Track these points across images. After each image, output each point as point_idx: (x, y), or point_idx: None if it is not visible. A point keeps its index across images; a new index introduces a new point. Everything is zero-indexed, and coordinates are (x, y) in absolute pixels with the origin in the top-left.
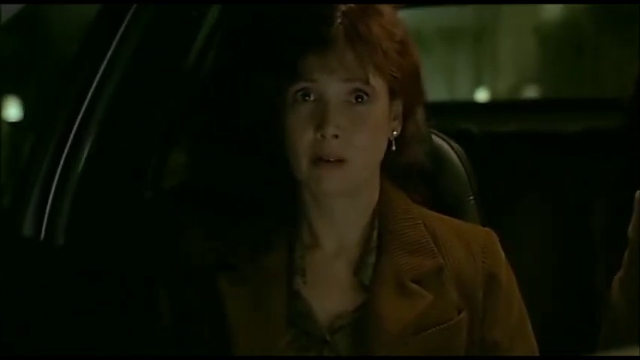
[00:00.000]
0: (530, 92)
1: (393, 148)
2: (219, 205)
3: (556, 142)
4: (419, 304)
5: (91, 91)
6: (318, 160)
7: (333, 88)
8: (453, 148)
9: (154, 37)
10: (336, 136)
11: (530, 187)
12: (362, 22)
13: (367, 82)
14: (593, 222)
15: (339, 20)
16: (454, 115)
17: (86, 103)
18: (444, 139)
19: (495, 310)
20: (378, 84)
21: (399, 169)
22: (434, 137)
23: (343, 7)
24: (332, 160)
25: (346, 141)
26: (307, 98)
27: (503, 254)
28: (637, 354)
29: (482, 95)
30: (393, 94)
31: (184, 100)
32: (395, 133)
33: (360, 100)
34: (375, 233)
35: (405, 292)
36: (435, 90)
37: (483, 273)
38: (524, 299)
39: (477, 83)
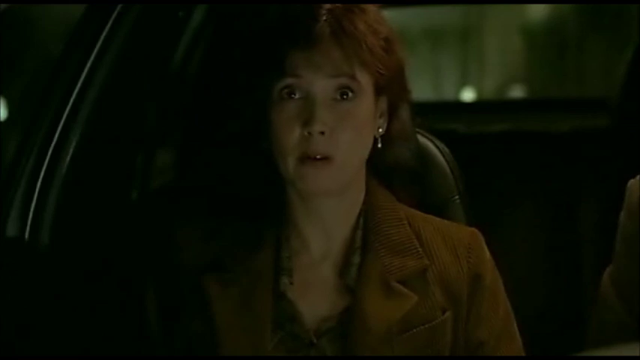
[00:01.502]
0: (517, 92)
1: (379, 145)
2: (207, 205)
3: (543, 141)
4: (404, 304)
5: (77, 90)
6: (305, 159)
7: (319, 84)
8: (438, 147)
9: (139, 37)
10: (323, 133)
11: (517, 187)
12: (347, 19)
13: (354, 77)
14: (580, 221)
15: (324, 17)
16: (440, 114)
17: (71, 102)
18: (429, 139)
19: (480, 309)
20: (364, 80)
21: (384, 167)
22: (420, 137)
23: (328, 5)
24: (319, 157)
25: (333, 138)
26: (293, 96)
27: (488, 254)
28: (637, 353)
29: (468, 95)
30: (378, 91)
31: (171, 100)
32: (380, 130)
33: (345, 96)
34: (360, 233)
35: (390, 293)
36: (421, 90)
37: (468, 273)
38: (511, 299)
39: (464, 83)
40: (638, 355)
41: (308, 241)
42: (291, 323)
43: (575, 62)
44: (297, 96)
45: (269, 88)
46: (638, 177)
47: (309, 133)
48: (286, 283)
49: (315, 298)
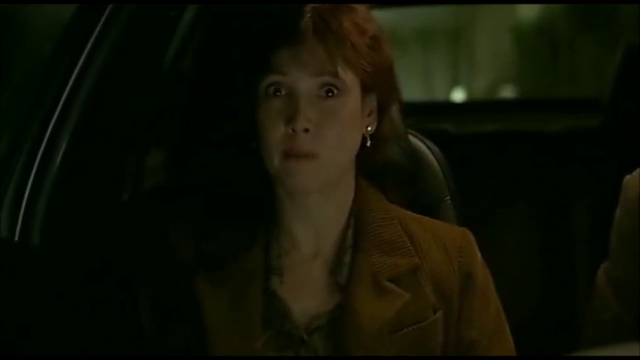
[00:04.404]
0: (508, 92)
1: (368, 144)
2: (198, 205)
3: (535, 142)
4: (395, 302)
5: (68, 90)
6: (289, 156)
7: (304, 82)
8: (429, 148)
9: (131, 37)
10: (307, 130)
11: (510, 187)
12: (332, 17)
13: (336, 75)
14: (574, 221)
15: (308, 15)
16: (432, 115)
17: (62, 102)
18: (420, 140)
19: (472, 309)
20: (348, 78)
21: (375, 167)
22: (411, 137)
23: (315, 4)
24: (302, 154)
25: (317, 135)
26: (278, 93)
27: (479, 254)
28: (637, 353)
29: (459, 95)
30: (365, 89)
31: (163, 100)
32: (370, 129)
33: (330, 94)
34: (351, 232)
35: (381, 292)
36: (413, 90)
37: (459, 272)
38: (505, 299)
39: (455, 83)
40: (637, 355)
41: (298, 239)
42: (281, 320)
43: (567, 62)
44: (282, 93)
45: (256, 86)
46: (634, 173)
47: (293, 130)
48: (277, 282)
49: (305, 296)
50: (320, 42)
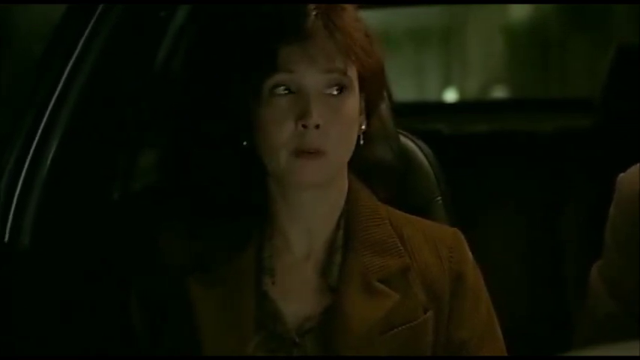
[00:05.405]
0: (500, 92)
1: (362, 142)
2: (190, 205)
3: (527, 142)
4: (386, 303)
5: (59, 90)
6: (300, 152)
7: (312, 78)
8: (420, 148)
9: (121, 37)
10: (318, 127)
11: (500, 187)
12: (337, 16)
13: (345, 72)
14: (566, 221)
15: (314, 13)
16: (424, 115)
17: (53, 102)
18: (411, 140)
19: (462, 309)
20: (353, 75)
21: (365, 166)
22: (402, 138)
23: (317, 4)
24: (313, 151)
25: (326, 132)
26: (285, 91)
27: (470, 254)
28: (637, 353)
29: (451, 96)
30: (361, 87)
31: (154, 100)
32: (363, 127)
33: (337, 91)
34: (341, 233)
35: (372, 292)
36: (405, 90)
37: (450, 272)
38: (498, 299)
39: (447, 83)
40: (637, 355)
41: (290, 240)
42: (273, 322)
43: (559, 62)
44: (289, 91)
45: (257, 85)
46: (627, 171)
47: (304, 127)
48: (268, 282)
49: (297, 297)
50: (330, 38)
